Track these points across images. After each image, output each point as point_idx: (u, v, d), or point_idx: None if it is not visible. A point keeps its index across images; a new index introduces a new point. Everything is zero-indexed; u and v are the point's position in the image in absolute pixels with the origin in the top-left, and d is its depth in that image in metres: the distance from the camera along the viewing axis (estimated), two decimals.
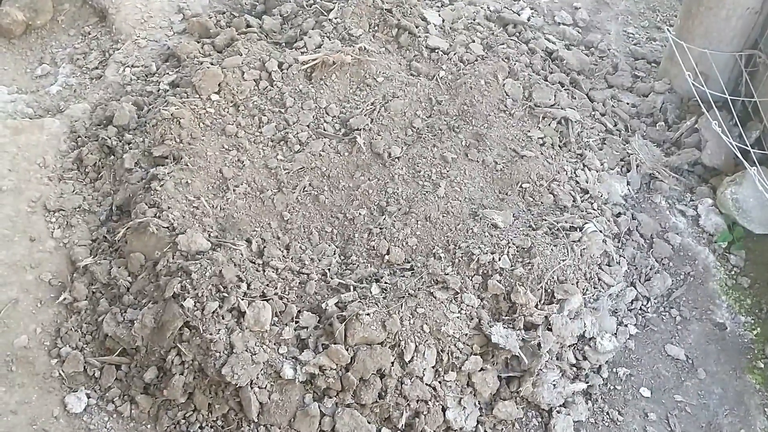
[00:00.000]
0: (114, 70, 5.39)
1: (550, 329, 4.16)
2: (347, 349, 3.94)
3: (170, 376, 4.02)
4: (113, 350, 4.18)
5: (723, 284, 4.69)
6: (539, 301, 4.22)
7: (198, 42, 5.43)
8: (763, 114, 4.97)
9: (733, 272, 4.74)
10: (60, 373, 4.13)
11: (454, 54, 5.28)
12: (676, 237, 4.80)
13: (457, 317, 4.11)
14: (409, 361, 3.97)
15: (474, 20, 5.67)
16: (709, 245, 4.82)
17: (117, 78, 5.33)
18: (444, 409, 3.99)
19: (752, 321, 4.55)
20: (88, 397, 4.09)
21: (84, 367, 4.15)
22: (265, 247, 4.37)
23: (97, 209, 4.67)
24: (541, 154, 4.84)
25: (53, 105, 5.26)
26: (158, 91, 5.14)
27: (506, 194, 4.67)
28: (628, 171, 5.03)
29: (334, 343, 3.96)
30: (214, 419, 4.01)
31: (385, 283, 4.22)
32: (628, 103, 5.40)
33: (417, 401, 3.97)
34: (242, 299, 4.04)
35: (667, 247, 4.75)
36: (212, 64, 5.05)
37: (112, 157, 4.83)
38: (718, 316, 4.56)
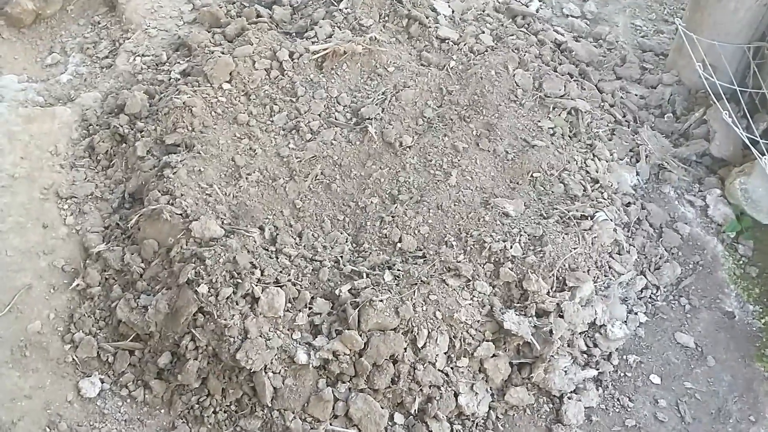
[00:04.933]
0: (124, 59, 5.39)
1: (561, 316, 4.18)
2: (360, 335, 3.96)
3: (184, 361, 4.04)
4: (126, 336, 4.20)
5: (731, 273, 4.72)
6: (551, 289, 4.25)
7: (209, 32, 5.43)
8: None
9: (741, 262, 4.77)
10: (73, 359, 4.15)
11: (464, 44, 5.29)
12: (685, 227, 4.83)
13: (470, 304, 4.14)
14: (422, 347, 4.00)
15: (483, 11, 5.68)
16: (717, 235, 4.85)
17: (127, 67, 5.34)
18: (456, 395, 4.02)
19: (760, 310, 4.58)
20: (102, 382, 4.11)
21: (97, 352, 4.18)
22: (277, 234, 4.39)
23: (109, 197, 4.69)
24: (552, 143, 4.86)
25: (64, 93, 5.28)
26: (169, 80, 5.14)
27: (517, 183, 4.69)
28: (637, 161, 5.05)
29: (348, 329, 3.98)
30: (228, 404, 4.03)
31: (398, 270, 4.24)
32: (636, 95, 5.43)
33: (429, 387, 4.00)
34: (256, 285, 4.06)
35: (677, 237, 4.78)
36: (223, 53, 5.06)
37: (124, 145, 4.84)
38: (727, 305, 4.59)
